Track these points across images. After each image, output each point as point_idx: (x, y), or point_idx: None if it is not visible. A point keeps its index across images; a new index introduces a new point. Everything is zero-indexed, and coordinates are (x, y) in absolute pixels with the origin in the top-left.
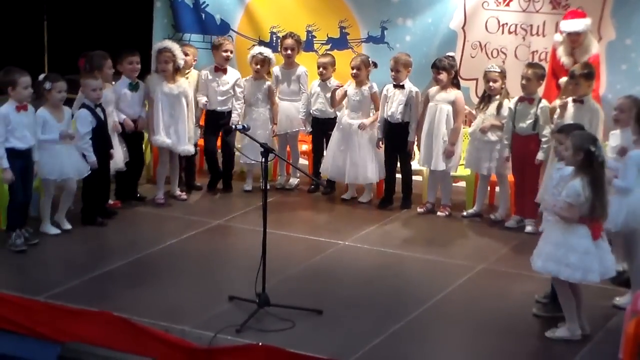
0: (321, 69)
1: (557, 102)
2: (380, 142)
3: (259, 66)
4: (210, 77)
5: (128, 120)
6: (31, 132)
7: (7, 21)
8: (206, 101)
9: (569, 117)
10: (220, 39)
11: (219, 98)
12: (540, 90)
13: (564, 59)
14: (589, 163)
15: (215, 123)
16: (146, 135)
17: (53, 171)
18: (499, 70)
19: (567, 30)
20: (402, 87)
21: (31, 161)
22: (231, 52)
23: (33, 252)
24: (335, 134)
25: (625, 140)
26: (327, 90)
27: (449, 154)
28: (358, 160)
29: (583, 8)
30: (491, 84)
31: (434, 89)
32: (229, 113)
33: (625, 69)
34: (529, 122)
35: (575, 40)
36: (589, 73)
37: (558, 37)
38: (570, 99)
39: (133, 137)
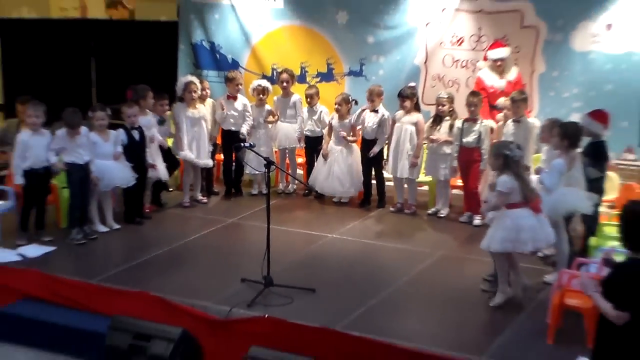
0: (308, 99)
1: (500, 118)
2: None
3: (261, 95)
4: (225, 104)
5: (163, 141)
6: (86, 151)
7: (61, 61)
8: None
9: (509, 134)
10: (232, 73)
11: (232, 120)
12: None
13: (493, 81)
14: (507, 163)
15: (230, 141)
16: None
17: (107, 183)
18: (447, 96)
19: (495, 57)
20: (377, 111)
21: (88, 173)
22: (241, 84)
23: (87, 245)
24: (321, 156)
25: (547, 154)
26: (314, 114)
27: (413, 165)
28: (340, 175)
29: (520, 47)
30: (440, 107)
31: (400, 113)
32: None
33: (553, 95)
34: (474, 137)
35: (500, 65)
36: (526, 98)
37: (481, 64)
38: (510, 120)
39: (167, 155)
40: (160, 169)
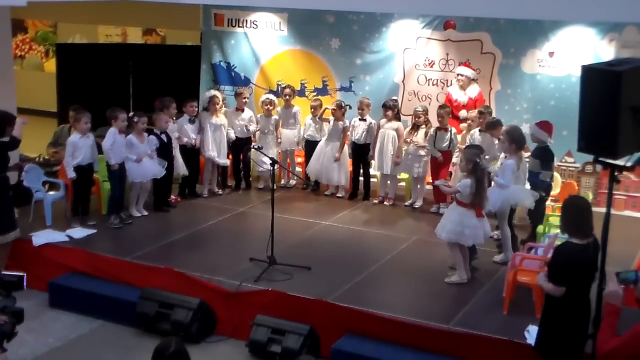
0: (312, 109)
1: (463, 128)
2: (349, 156)
3: (268, 106)
4: (233, 115)
5: (189, 141)
6: (127, 151)
7: (105, 77)
8: (236, 136)
9: (476, 141)
10: (239, 89)
11: (239, 129)
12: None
13: (458, 96)
14: (475, 170)
15: (238, 145)
16: None
17: (139, 176)
18: (422, 109)
19: (458, 72)
20: (365, 120)
21: (124, 169)
22: (247, 98)
23: (123, 229)
24: (317, 151)
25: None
26: (316, 122)
27: (395, 164)
28: (330, 168)
29: (480, 69)
30: (417, 118)
31: (383, 121)
32: (247, 139)
33: (507, 108)
34: (446, 143)
35: (461, 80)
36: (491, 112)
37: (452, 81)
38: (477, 129)
39: (192, 155)
40: (179, 165)
